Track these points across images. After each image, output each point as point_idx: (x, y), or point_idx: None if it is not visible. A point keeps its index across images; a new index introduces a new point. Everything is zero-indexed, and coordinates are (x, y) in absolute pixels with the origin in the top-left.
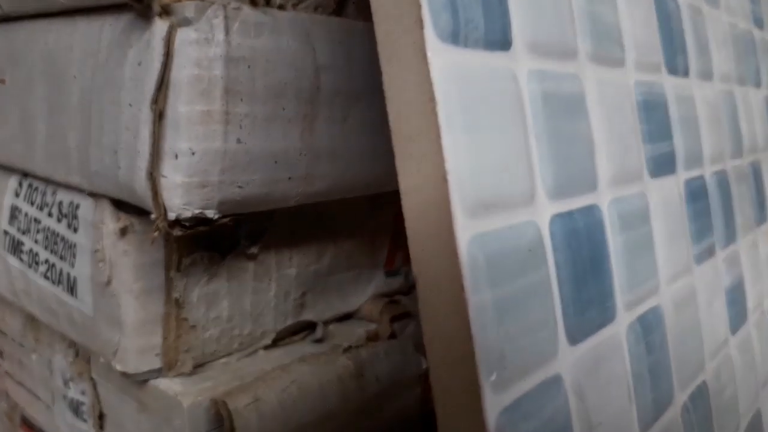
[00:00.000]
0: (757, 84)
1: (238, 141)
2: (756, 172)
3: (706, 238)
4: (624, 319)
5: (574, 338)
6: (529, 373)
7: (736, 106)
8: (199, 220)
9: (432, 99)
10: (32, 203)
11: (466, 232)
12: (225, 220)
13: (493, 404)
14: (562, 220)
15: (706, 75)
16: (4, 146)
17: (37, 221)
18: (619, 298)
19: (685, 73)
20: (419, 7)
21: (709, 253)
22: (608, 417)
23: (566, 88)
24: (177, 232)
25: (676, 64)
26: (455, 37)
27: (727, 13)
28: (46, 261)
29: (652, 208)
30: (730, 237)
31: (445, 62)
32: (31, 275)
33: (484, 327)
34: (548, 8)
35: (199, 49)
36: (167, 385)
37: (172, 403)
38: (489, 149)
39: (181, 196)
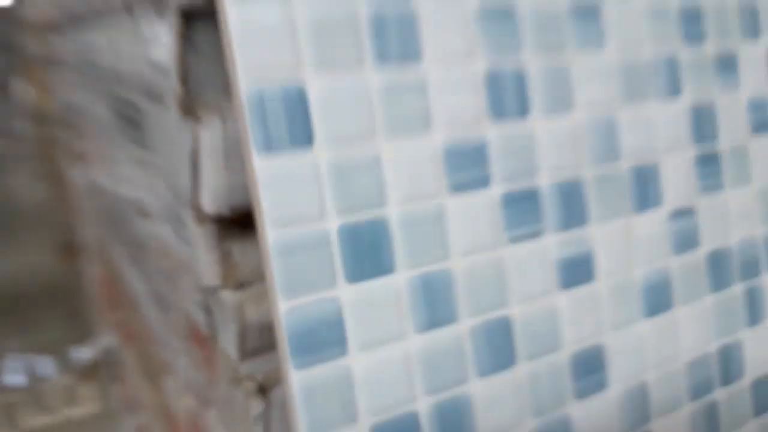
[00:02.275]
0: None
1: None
2: (640, 172)
3: (527, 226)
4: (403, 273)
5: (351, 279)
6: (313, 292)
7: (614, 124)
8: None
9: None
10: None
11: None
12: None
13: (285, 306)
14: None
15: (560, 108)
16: None
17: None
18: (399, 261)
19: (521, 113)
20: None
21: (531, 235)
22: (379, 330)
23: (362, 161)
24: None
25: (503, 111)
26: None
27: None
28: None
29: (449, 213)
30: (573, 224)
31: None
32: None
33: (285, 260)
34: (348, 108)
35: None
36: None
37: (222, 300)
38: (296, 203)
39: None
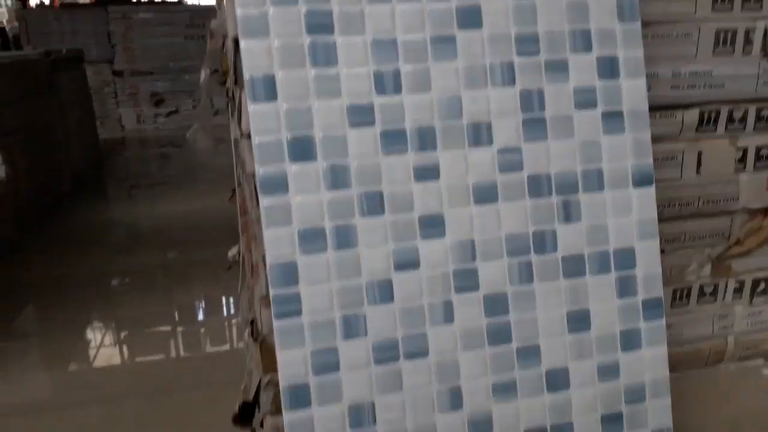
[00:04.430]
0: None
1: None
2: (476, 126)
3: (397, 147)
4: (321, 163)
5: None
6: None
7: (458, 99)
8: None
9: None
10: None
11: None
12: None
13: None
14: None
15: (421, 90)
16: None
17: None
18: (319, 156)
19: (396, 91)
20: None
21: (399, 152)
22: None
23: None
24: None
25: (384, 90)
26: None
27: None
28: None
29: (349, 139)
30: (426, 149)
31: None
32: None
33: None
34: None
35: None
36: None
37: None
38: None
39: None
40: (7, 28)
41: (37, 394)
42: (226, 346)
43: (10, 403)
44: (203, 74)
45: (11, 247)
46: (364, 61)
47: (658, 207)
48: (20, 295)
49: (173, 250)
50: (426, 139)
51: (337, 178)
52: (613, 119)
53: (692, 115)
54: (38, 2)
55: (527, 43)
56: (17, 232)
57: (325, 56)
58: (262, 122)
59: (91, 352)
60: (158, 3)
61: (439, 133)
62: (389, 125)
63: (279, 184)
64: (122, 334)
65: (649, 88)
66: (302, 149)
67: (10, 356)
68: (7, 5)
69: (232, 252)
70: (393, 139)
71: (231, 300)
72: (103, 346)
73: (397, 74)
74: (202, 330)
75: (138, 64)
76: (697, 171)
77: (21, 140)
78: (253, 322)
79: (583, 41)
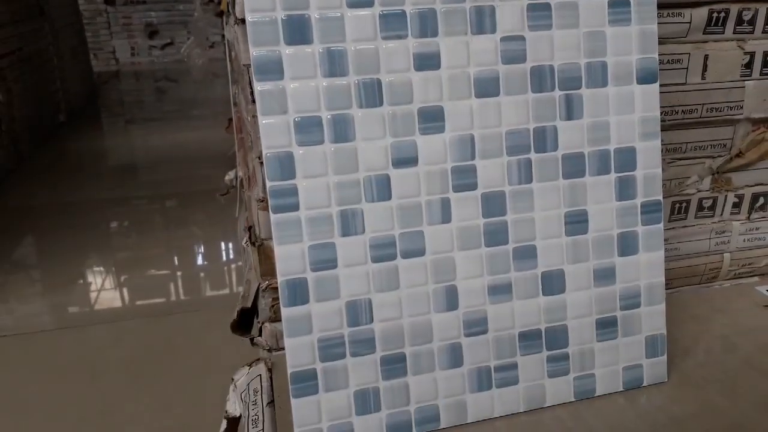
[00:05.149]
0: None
1: None
2: (479, 10)
3: (396, 31)
4: (317, 47)
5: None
6: None
7: None
8: None
9: None
10: None
11: None
12: None
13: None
14: None
15: None
16: None
17: None
18: (315, 39)
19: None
20: None
21: (398, 37)
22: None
23: None
24: None
25: None
26: None
27: None
28: None
29: (346, 18)
30: (426, 34)
31: None
32: None
33: None
34: None
35: None
36: None
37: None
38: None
39: None
40: None
41: (36, 320)
42: (218, 263)
43: (8, 326)
44: None
45: (8, 174)
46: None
47: (660, 114)
48: (19, 224)
49: (169, 180)
50: (427, 23)
51: (334, 63)
52: (620, 8)
53: (701, 14)
54: None
55: None
56: (14, 158)
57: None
58: (257, 1)
59: (92, 278)
60: None
61: (440, 17)
62: (389, 7)
63: (274, 69)
64: (121, 264)
65: None
66: (298, 30)
67: (10, 287)
68: None
69: (228, 176)
70: (393, 23)
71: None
72: (102, 273)
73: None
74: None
75: None
76: (702, 76)
77: (15, 65)
78: (250, 229)
79: None
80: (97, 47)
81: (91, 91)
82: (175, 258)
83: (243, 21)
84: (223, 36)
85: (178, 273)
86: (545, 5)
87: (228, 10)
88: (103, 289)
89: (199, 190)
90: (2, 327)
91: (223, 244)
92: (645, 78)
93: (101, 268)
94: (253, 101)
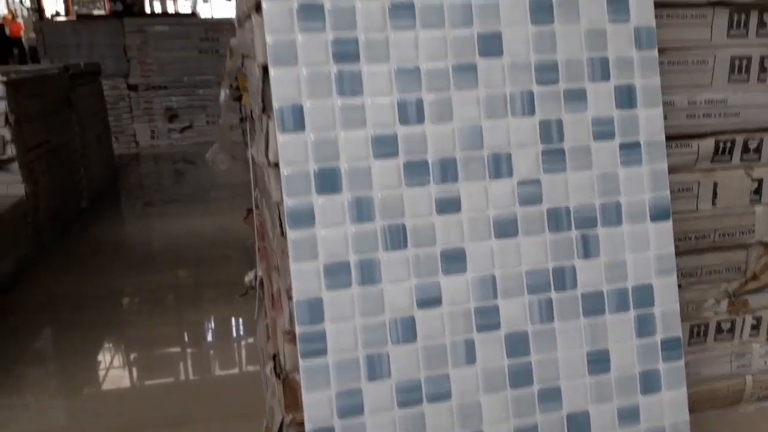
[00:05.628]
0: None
1: None
2: (496, 157)
3: (418, 179)
4: (346, 194)
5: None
6: None
7: (479, 130)
8: None
9: None
10: None
11: None
12: None
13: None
14: None
15: (443, 120)
16: None
17: None
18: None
19: (419, 122)
20: None
21: (421, 184)
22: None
23: None
24: None
25: (408, 120)
26: None
27: None
28: None
29: (373, 170)
30: (447, 180)
31: None
32: None
33: None
34: None
35: None
36: None
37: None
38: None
39: None
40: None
41: (52, 423)
42: (236, 370)
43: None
44: (222, 94)
45: (30, 264)
46: (389, 91)
47: (673, 240)
48: (38, 317)
49: (186, 270)
50: (447, 170)
51: (362, 210)
52: (630, 150)
53: (708, 145)
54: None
55: (547, 71)
56: (36, 248)
57: (351, 85)
58: (291, 153)
59: (104, 376)
60: (173, 16)
61: (460, 165)
62: (412, 156)
63: (306, 217)
64: (132, 356)
65: (664, 117)
66: (329, 181)
67: (27, 382)
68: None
69: (248, 277)
70: (416, 171)
71: (241, 322)
72: (114, 368)
73: (420, 104)
74: (212, 352)
75: (153, 79)
76: (713, 203)
77: (42, 156)
78: (275, 358)
79: (602, 69)
80: (118, 130)
81: (112, 174)
82: (189, 361)
83: (276, 165)
84: (242, 119)
85: (192, 378)
86: (559, 150)
87: (251, 129)
88: (117, 393)
89: (215, 280)
90: (14, 419)
91: (242, 346)
92: (658, 215)
93: (118, 369)
94: (283, 234)
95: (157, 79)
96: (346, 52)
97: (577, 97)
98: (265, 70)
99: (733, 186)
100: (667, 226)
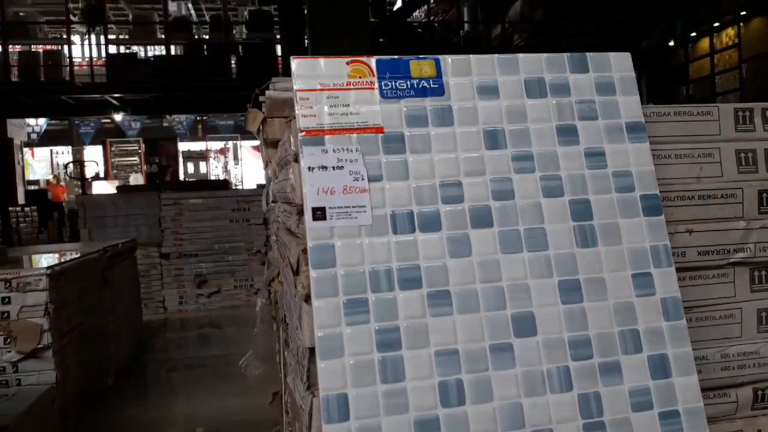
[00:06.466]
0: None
1: None
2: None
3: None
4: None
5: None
6: None
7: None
8: None
9: None
10: None
11: None
12: None
13: None
14: None
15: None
16: None
17: None
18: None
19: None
20: None
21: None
22: None
23: None
24: None
25: None
26: None
27: None
28: None
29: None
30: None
31: None
32: None
33: None
34: None
35: None
36: None
37: None
38: None
39: None
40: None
41: None
42: None
43: None
44: (259, 303)
45: None
46: (429, 374)
47: None
48: None
49: None
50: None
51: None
52: (670, 420)
53: (746, 393)
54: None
55: (580, 347)
56: None
57: (393, 372)
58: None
59: None
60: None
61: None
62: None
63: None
64: None
65: (699, 371)
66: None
67: None
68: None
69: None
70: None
71: None
72: None
73: (460, 384)
74: None
75: (185, 247)
76: None
77: (74, 341)
78: None
79: (633, 342)
80: (147, 297)
81: (139, 344)
82: None
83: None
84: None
85: None
86: (599, 424)
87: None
88: None
89: None
90: None
91: None
92: None
93: None
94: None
95: (189, 247)
96: (388, 341)
97: (611, 370)
98: (312, 350)
99: None
100: None
